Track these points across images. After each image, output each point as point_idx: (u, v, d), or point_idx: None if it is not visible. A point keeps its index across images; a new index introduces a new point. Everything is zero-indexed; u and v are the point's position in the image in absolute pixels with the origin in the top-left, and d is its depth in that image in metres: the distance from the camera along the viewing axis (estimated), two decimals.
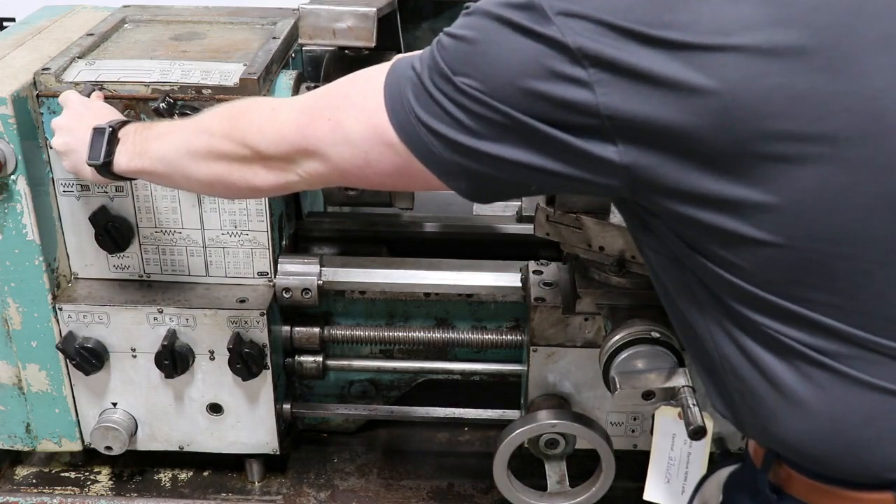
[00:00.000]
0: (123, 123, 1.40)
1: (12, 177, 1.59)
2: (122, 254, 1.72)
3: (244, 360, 1.68)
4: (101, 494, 1.85)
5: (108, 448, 1.77)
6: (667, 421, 1.60)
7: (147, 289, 1.74)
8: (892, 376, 1.02)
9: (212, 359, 1.72)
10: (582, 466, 1.71)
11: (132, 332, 1.70)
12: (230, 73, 1.62)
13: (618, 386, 1.45)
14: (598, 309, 1.61)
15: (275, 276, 1.75)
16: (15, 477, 1.89)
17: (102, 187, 1.65)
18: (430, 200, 2.14)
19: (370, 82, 1.11)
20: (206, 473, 1.90)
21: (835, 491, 1.11)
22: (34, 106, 1.60)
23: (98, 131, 1.38)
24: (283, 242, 1.82)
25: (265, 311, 1.69)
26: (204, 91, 1.59)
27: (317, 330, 1.84)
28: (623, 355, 1.47)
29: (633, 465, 1.71)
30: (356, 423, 2.02)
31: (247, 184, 1.24)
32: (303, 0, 1.61)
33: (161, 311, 1.69)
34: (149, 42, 1.79)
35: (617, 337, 1.49)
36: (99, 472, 1.90)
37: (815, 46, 0.92)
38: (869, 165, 0.94)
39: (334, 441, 2.02)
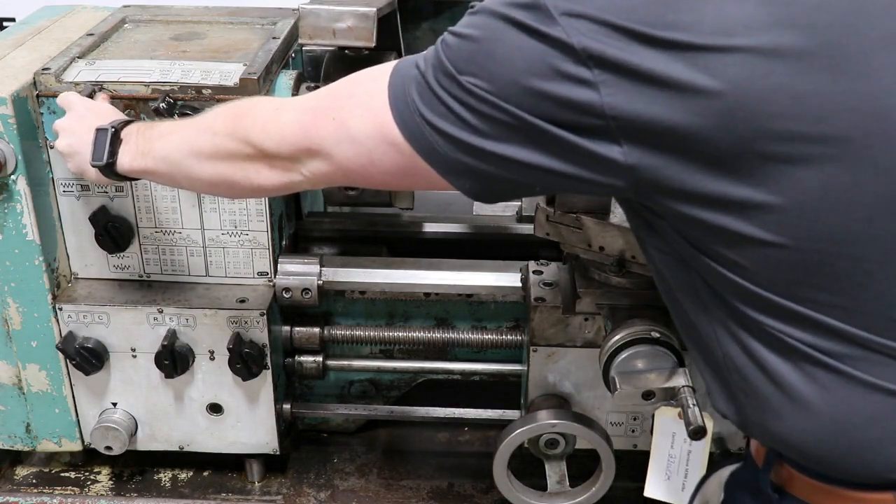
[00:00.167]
0: (126, 123, 1.40)
1: (12, 177, 1.59)
2: (122, 254, 1.72)
3: (244, 360, 1.68)
4: (101, 494, 1.85)
5: (108, 448, 1.77)
6: (667, 421, 1.60)
7: (147, 289, 1.74)
8: (895, 377, 1.02)
9: (212, 359, 1.72)
10: (582, 466, 1.71)
11: (132, 332, 1.70)
12: (230, 73, 1.63)
13: (618, 386, 1.45)
14: (598, 309, 1.61)
15: (275, 276, 1.75)
16: (15, 477, 1.89)
17: (102, 187, 1.65)
18: (430, 200, 2.14)
19: (375, 81, 1.11)
20: (206, 473, 1.91)
21: (836, 491, 1.11)
22: (34, 106, 1.60)
23: (101, 132, 1.38)
24: (283, 242, 1.82)
25: (265, 311, 1.69)
26: (204, 91, 1.59)
27: (317, 330, 1.84)
28: (623, 355, 1.47)
29: (633, 465, 1.71)
30: (356, 423, 2.02)
31: (250, 183, 1.24)
32: (303, 0, 1.61)
33: (161, 311, 1.69)
34: (149, 42, 1.79)
35: (617, 337, 1.49)
36: (99, 472, 1.90)
37: (817, 46, 0.92)
38: (872, 166, 0.94)
39: (334, 441, 2.02)
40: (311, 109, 1.17)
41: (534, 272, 1.71)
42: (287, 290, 1.75)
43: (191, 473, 1.90)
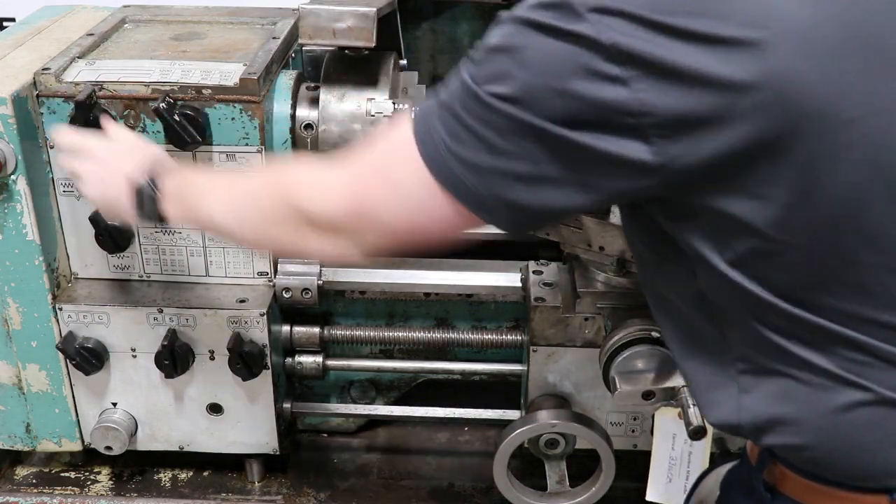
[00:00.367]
0: (155, 171, 1.33)
1: (12, 177, 1.59)
2: (122, 254, 1.72)
3: (244, 360, 1.68)
4: (101, 494, 1.85)
5: (108, 448, 1.77)
6: (667, 421, 1.60)
7: (147, 289, 1.74)
8: (893, 382, 1.02)
9: (212, 359, 1.72)
10: (582, 466, 1.71)
11: (132, 332, 1.70)
12: (230, 73, 1.62)
13: (618, 386, 1.45)
14: (598, 309, 1.61)
15: (275, 276, 1.75)
16: (15, 477, 1.89)
17: None
18: None
19: (403, 126, 1.08)
20: (206, 473, 1.91)
21: (830, 492, 1.10)
22: (34, 106, 1.60)
23: (140, 190, 1.32)
24: None
25: (265, 311, 1.69)
26: (204, 91, 1.59)
27: (317, 330, 1.84)
28: (623, 355, 1.48)
29: (633, 465, 1.71)
30: (356, 423, 2.02)
31: (300, 249, 1.20)
32: (303, 0, 1.61)
33: (161, 311, 1.69)
34: (149, 42, 1.79)
35: (617, 337, 1.49)
36: (99, 472, 1.90)
37: (852, 40, 0.90)
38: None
39: (334, 441, 2.02)
40: (352, 170, 1.12)
41: (534, 272, 1.71)
42: (287, 290, 1.75)
43: (191, 473, 1.90)
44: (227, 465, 1.90)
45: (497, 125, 0.98)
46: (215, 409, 1.77)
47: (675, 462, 1.62)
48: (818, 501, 1.12)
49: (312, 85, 1.74)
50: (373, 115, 1.68)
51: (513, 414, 1.83)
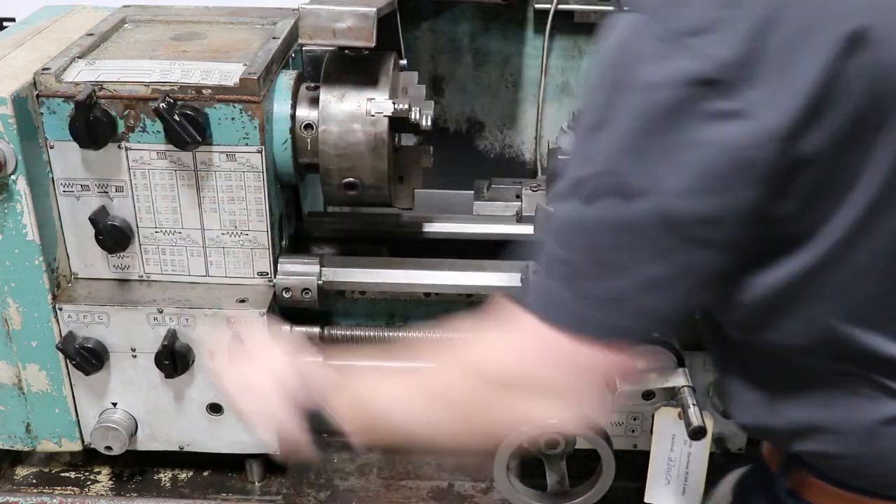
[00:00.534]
0: (316, 391, 1.25)
1: (12, 177, 1.59)
2: (122, 254, 1.71)
3: None
4: (101, 494, 1.85)
5: (108, 448, 1.77)
6: (666, 422, 1.60)
7: (147, 289, 1.74)
8: None
9: (212, 359, 1.72)
10: (582, 466, 1.71)
11: (132, 332, 1.70)
12: (230, 73, 1.62)
13: (618, 386, 1.45)
14: None
15: (275, 276, 1.75)
16: (15, 477, 1.89)
17: (103, 187, 1.65)
18: (430, 200, 2.14)
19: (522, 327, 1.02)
20: (206, 473, 1.90)
21: (857, 499, 1.09)
22: (34, 106, 1.60)
23: (311, 419, 1.25)
24: (283, 242, 1.82)
25: (265, 311, 1.69)
26: (204, 91, 1.59)
27: (317, 330, 1.84)
28: None
29: (633, 465, 1.71)
30: None
31: (515, 418, 1.14)
32: (303, 0, 1.61)
33: (161, 311, 1.69)
34: (149, 42, 1.79)
35: None
36: (99, 472, 1.90)
37: None
38: None
39: (334, 441, 2.01)
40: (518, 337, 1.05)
41: (534, 272, 1.71)
42: (287, 290, 1.75)
43: (191, 473, 1.90)
44: (227, 465, 1.90)
45: (605, 244, 0.93)
46: (215, 409, 1.77)
47: (674, 463, 1.61)
48: None
49: (312, 85, 1.74)
50: (373, 115, 1.68)
51: None
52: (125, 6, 1.98)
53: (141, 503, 1.83)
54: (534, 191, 1.99)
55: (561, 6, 2.59)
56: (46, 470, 1.91)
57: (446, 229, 2.00)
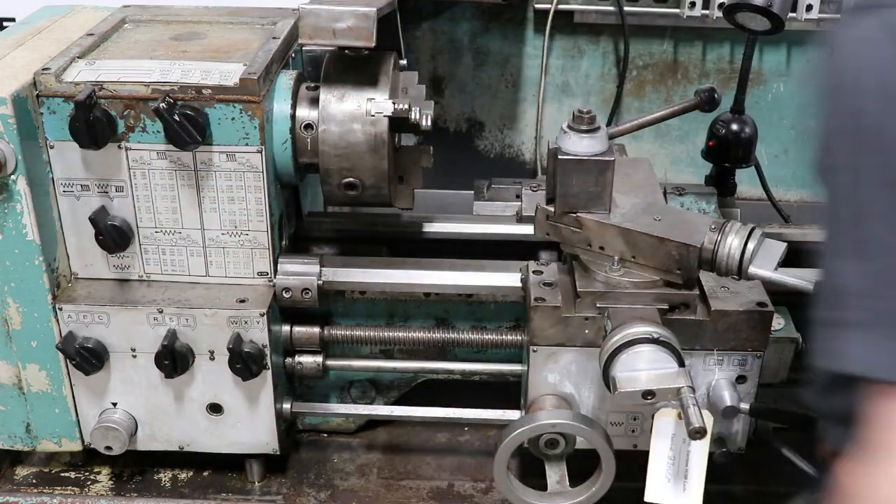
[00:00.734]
0: None
1: (12, 177, 1.59)
2: (122, 254, 1.72)
3: (244, 360, 1.68)
4: (101, 494, 1.85)
5: (108, 448, 1.77)
6: (666, 423, 1.60)
7: (147, 289, 1.74)
8: None
9: (212, 359, 1.72)
10: (582, 466, 1.71)
11: (132, 332, 1.70)
12: (230, 73, 1.63)
13: (618, 386, 1.45)
14: (599, 309, 1.61)
15: (275, 276, 1.75)
16: (15, 477, 1.89)
17: (103, 187, 1.65)
18: (430, 200, 2.14)
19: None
20: (206, 473, 1.91)
21: None
22: (34, 106, 1.60)
23: None
24: (283, 242, 1.82)
25: (265, 311, 1.69)
26: (204, 91, 1.59)
27: (317, 330, 1.84)
28: (623, 355, 1.47)
29: (633, 465, 1.71)
30: (356, 423, 2.02)
31: None
32: (303, 0, 1.61)
33: (161, 311, 1.69)
34: (149, 42, 1.79)
35: (617, 337, 1.49)
36: (99, 472, 1.90)
37: None
38: None
39: (334, 441, 2.02)
40: None
41: (534, 272, 1.71)
42: (287, 290, 1.75)
43: (191, 473, 1.90)
44: (227, 465, 1.90)
45: None
46: (215, 409, 1.77)
47: (674, 464, 1.61)
48: None
49: (312, 85, 1.74)
50: (373, 115, 1.68)
51: (513, 414, 1.83)
52: (125, 6, 1.98)
53: (141, 503, 1.84)
54: (533, 191, 1.99)
55: (561, 6, 2.59)
56: (46, 470, 1.91)
57: (446, 229, 2.00)
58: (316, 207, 2.10)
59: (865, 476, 0.85)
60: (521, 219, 1.96)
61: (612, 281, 1.60)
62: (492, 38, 2.70)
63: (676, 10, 2.57)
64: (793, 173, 2.82)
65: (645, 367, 1.46)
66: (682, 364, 1.46)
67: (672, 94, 2.75)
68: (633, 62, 2.71)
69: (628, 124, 2.00)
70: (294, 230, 1.92)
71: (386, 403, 1.98)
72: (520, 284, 1.75)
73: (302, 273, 1.76)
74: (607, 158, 1.56)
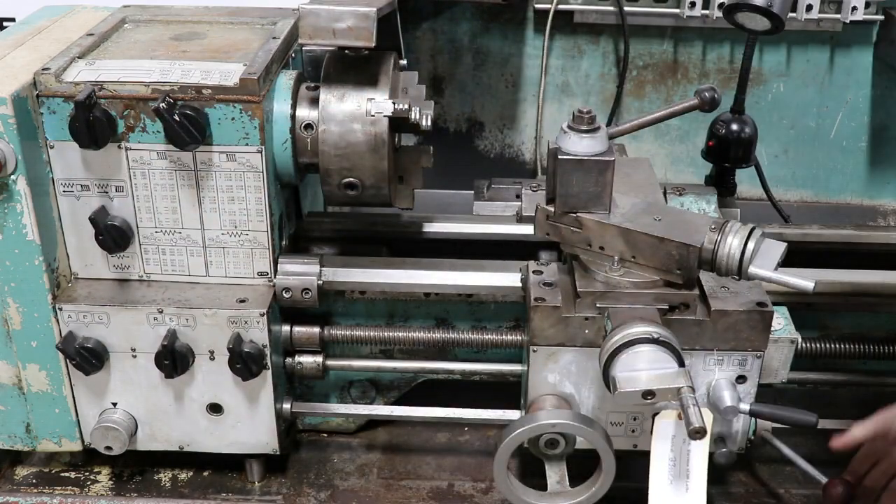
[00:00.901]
0: None
1: (12, 177, 1.59)
2: (122, 254, 1.72)
3: (244, 360, 1.68)
4: (101, 494, 1.85)
5: (108, 448, 1.77)
6: (666, 424, 1.60)
7: (147, 289, 1.74)
8: None
9: (212, 359, 1.72)
10: (582, 466, 1.71)
11: (132, 332, 1.70)
12: (230, 73, 1.63)
13: (618, 386, 1.45)
14: (599, 309, 1.61)
15: (275, 276, 1.75)
16: (15, 477, 1.89)
17: (103, 187, 1.65)
18: (430, 200, 2.14)
19: None
20: (206, 473, 1.91)
21: None
22: (34, 106, 1.60)
23: None
24: (283, 242, 1.82)
25: (265, 311, 1.69)
26: (204, 91, 1.59)
27: (317, 330, 1.84)
28: (623, 355, 1.47)
29: (633, 465, 1.71)
30: (356, 423, 2.02)
31: None
32: (303, 0, 1.61)
33: (161, 311, 1.69)
34: (149, 42, 1.79)
35: (617, 337, 1.49)
36: (99, 472, 1.90)
37: None
38: None
39: (334, 441, 2.02)
40: None
41: (534, 272, 1.71)
42: (287, 290, 1.75)
43: (191, 473, 1.90)
44: (227, 465, 1.90)
45: None
46: (215, 409, 1.77)
47: (675, 463, 1.62)
48: None
49: (312, 85, 1.74)
50: (373, 115, 1.68)
51: (513, 414, 1.83)
52: (125, 6, 1.98)
53: (141, 503, 1.84)
54: (533, 191, 1.99)
55: (561, 6, 2.59)
56: (46, 470, 1.91)
57: (446, 229, 2.00)
58: (316, 207, 2.10)
59: None
60: (521, 219, 1.97)
61: (612, 281, 1.60)
62: (492, 38, 2.70)
63: (676, 10, 2.57)
64: (793, 173, 2.82)
65: (645, 367, 1.46)
66: (682, 364, 1.46)
67: (672, 94, 2.75)
68: (633, 62, 2.71)
69: (628, 124, 2.00)
70: (294, 230, 1.92)
71: (386, 403, 1.98)
72: (520, 284, 1.75)
73: (302, 273, 1.76)
74: (607, 158, 1.56)
